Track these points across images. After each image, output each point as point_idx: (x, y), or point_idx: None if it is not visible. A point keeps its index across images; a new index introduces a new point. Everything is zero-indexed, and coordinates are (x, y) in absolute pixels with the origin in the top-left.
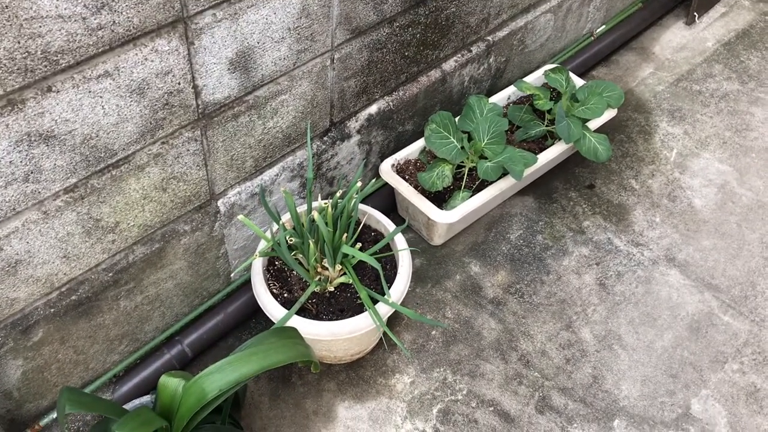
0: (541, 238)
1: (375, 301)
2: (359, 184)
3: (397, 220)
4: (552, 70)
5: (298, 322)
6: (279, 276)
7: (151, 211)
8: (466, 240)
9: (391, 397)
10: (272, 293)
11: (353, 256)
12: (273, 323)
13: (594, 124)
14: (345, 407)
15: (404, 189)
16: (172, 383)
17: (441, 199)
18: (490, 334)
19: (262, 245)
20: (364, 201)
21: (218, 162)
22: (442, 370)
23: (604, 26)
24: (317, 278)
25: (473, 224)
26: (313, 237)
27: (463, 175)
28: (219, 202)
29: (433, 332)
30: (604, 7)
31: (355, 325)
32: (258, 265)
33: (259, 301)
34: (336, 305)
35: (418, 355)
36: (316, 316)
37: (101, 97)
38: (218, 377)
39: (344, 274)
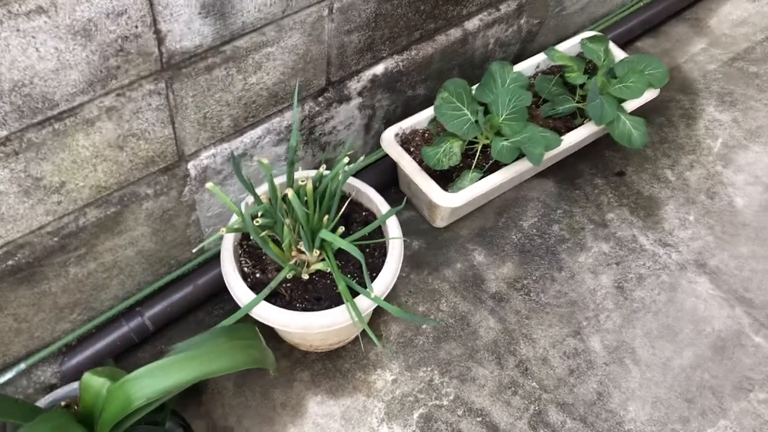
0: (558, 228)
1: (356, 294)
2: (346, 160)
3: (399, 196)
4: (590, 38)
5: (266, 310)
6: (253, 253)
7: (105, 171)
8: (472, 224)
9: (369, 395)
10: (242, 273)
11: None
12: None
13: (631, 105)
14: (317, 402)
15: (407, 164)
16: (95, 383)
17: (448, 177)
18: (488, 334)
19: (235, 219)
20: (362, 172)
21: (188, 120)
22: (429, 369)
23: None
24: (293, 261)
25: (483, 207)
26: (290, 216)
27: (476, 152)
28: (189, 165)
29: (425, 326)
30: None
31: (331, 319)
32: (229, 240)
33: (225, 281)
34: (313, 292)
35: (404, 350)
36: (289, 304)
37: (34, 37)
38: (147, 383)
39: (324, 259)
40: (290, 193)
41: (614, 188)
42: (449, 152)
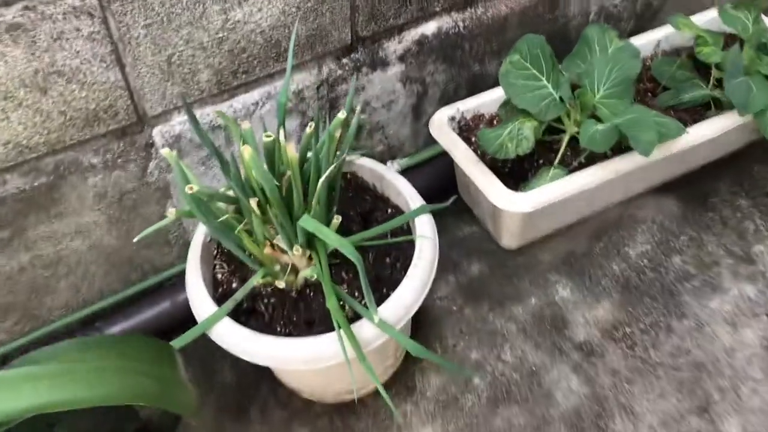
0: (680, 260)
1: (357, 318)
2: (342, 115)
3: (462, 208)
4: (735, 5)
5: (228, 331)
6: (233, 256)
7: (25, 123)
8: (557, 248)
9: None
10: (213, 280)
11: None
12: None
13: None
14: None
15: (460, 154)
16: None
17: (521, 176)
18: (568, 400)
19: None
20: (412, 174)
21: (144, 62)
22: None
23: None
24: (275, 265)
25: (572, 227)
26: (259, 192)
27: (560, 144)
28: (155, 131)
29: (477, 379)
30: None
31: (313, 351)
32: (199, 236)
33: (186, 289)
34: (304, 313)
35: (444, 411)
36: (268, 326)
37: None
38: None
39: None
40: (246, 151)
41: (766, 213)
42: (517, 135)
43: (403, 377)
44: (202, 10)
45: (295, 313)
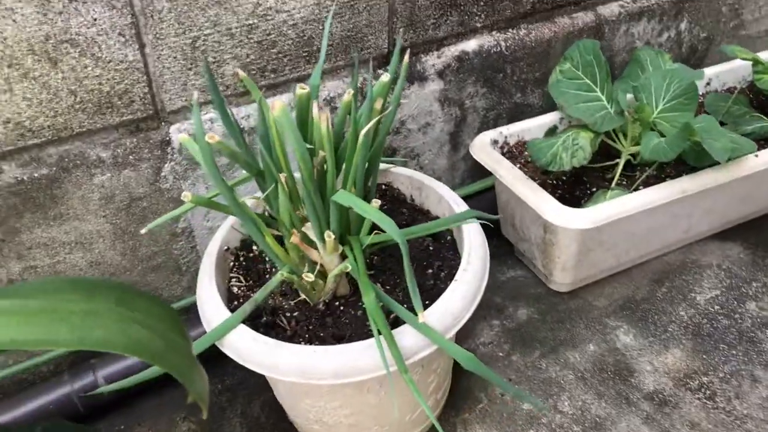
0: (756, 307)
1: (400, 323)
2: (383, 79)
3: (503, 249)
4: None
5: (244, 340)
6: (252, 268)
7: (30, 98)
8: (614, 292)
9: None
10: (228, 293)
11: (365, 230)
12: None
13: None
14: None
15: (506, 173)
16: None
17: (574, 204)
18: None
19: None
20: None
21: (166, 43)
22: None
23: None
24: (301, 263)
25: (630, 270)
26: (284, 167)
27: (616, 169)
28: (172, 128)
29: (543, 421)
30: None
31: (346, 359)
32: (216, 242)
33: (197, 295)
34: (333, 328)
35: None
36: (291, 340)
37: None
38: None
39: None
40: (277, 106)
41: None
42: (572, 145)
43: (444, 428)
44: None
45: (322, 328)
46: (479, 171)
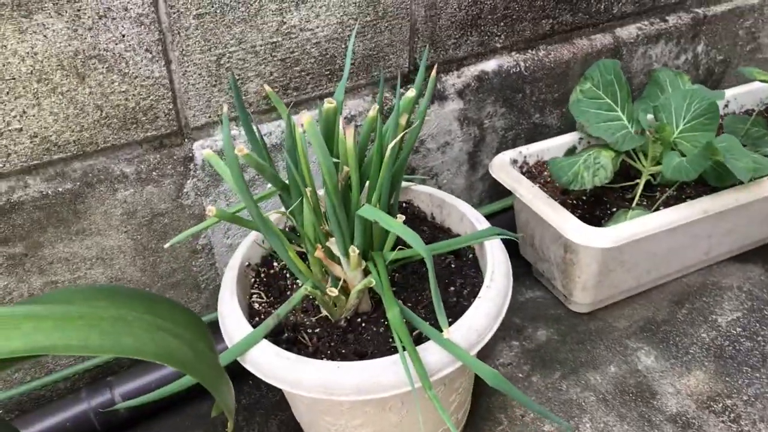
0: None
1: (423, 340)
2: (409, 94)
3: (522, 269)
4: None
5: (267, 354)
6: (273, 284)
7: (57, 112)
8: (634, 314)
9: None
10: (249, 310)
11: (388, 245)
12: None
13: None
14: None
15: (526, 191)
16: None
17: (592, 222)
18: None
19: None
20: None
21: (192, 59)
22: None
23: None
24: (324, 279)
25: (649, 292)
26: (309, 181)
27: (637, 189)
28: (195, 145)
29: None
30: None
31: (370, 375)
32: (237, 258)
33: (218, 312)
34: (354, 344)
35: None
36: (313, 357)
37: None
38: None
39: (369, 274)
40: (305, 119)
41: None
42: (594, 164)
43: None
44: (258, 7)
45: (344, 345)
46: (497, 191)
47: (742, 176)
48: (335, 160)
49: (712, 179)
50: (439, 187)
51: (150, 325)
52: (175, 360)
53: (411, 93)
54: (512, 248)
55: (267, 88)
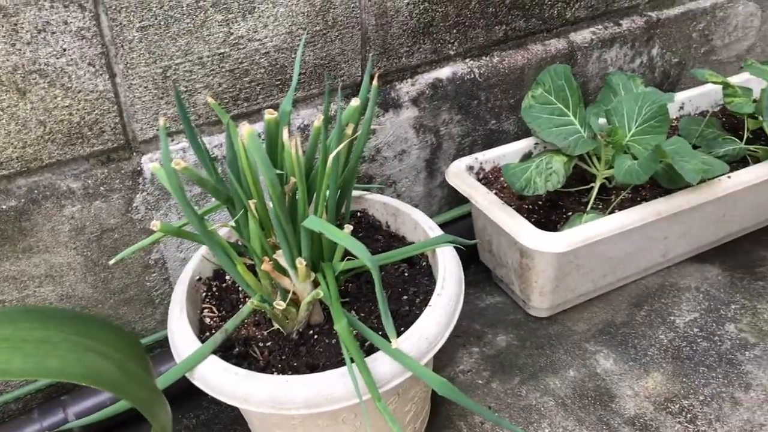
0: (735, 329)
1: (376, 350)
2: (353, 103)
3: (481, 276)
4: (761, 61)
5: (215, 371)
6: (225, 298)
7: None
8: (593, 317)
9: None
10: (200, 325)
11: (337, 256)
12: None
13: None
14: None
15: (482, 198)
16: None
17: (551, 229)
18: None
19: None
20: None
21: (137, 72)
22: None
23: None
24: (273, 292)
25: (609, 294)
26: (255, 192)
27: (592, 193)
28: (144, 158)
29: None
30: None
31: (319, 390)
32: (188, 272)
33: (168, 327)
34: (306, 356)
35: None
36: (263, 370)
37: None
38: None
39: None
40: (245, 131)
41: None
42: (546, 170)
43: None
44: (204, 18)
45: (296, 357)
46: (456, 198)
47: (691, 178)
48: (279, 171)
49: (665, 181)
50: (398, 195)
51: (77, 346)
52: (103, 381)
53: (355, 102)
54: (473, 254)
55: (210, 99)
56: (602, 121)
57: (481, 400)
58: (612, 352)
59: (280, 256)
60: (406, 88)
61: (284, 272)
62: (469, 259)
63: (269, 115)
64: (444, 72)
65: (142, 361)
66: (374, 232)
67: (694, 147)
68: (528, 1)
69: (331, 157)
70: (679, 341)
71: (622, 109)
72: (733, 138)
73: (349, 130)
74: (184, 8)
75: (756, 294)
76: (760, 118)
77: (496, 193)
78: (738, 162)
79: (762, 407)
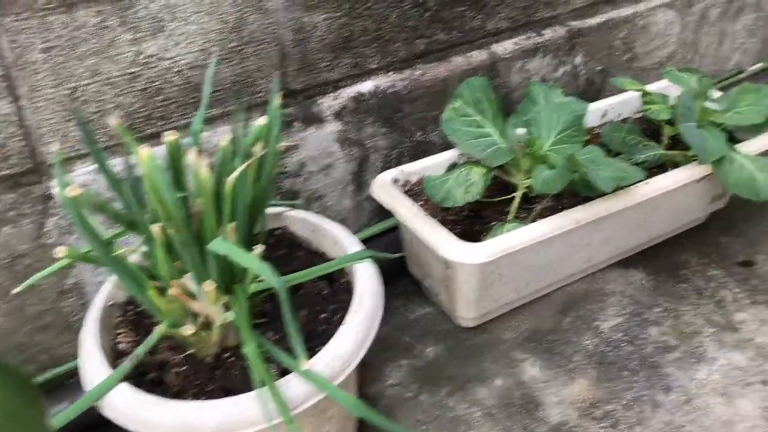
0: (657, 332)
1: (285, 373)
2: (260, 121)
3: (411, 288)
4: (679, 69)
5: (125, 398)
6: (140, 323)
7: None
8: (520, 325)
9: None
10: (116, 350)
11: (249, 278)
12: None
13: (752, 146)
14: None
15: (405, 211)
16: None
17: (474, 239)
18: None
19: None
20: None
21: (44, 95)
22: None
23: (761, 64)
24: (185, 316)
25: (536, 302)
26: (161, 210)
27: (514, 203)
28: (54, 182)
29: None
30: (760, 32)
31: (230, 414)
32: (101, 297)
33: (78, 355)
34: (222, 380)
35: None
36: (177, 395)
37: None
38: None
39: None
40: (144, 153)
41: (742, 281)
42: (465, 182)
43: None
44: (112, 38)
45: (210, 381)
46: (385, 210)
47: (605, 186)
48: (181, 194)
49: (583, 189)
50: (326, 210)
51: None
52: None
53: (262, 120)
54: (403, 267)
55: (113, 121)
56: (522, 131)
57: (409, 414)
58: (538, 359)
59: (189, 280)
60: (328, 103)
61: (193, 296)
62: (399, 272)
63: (168, 137)
64: (366, 86)
65: (31, 397)
66: (296, 250)
67: (617, 154)
68: (448, 15)
69: (232, 176)
70: (604, 346)
71: (540, 119)
72: (653, 144)
73: (257, 148)
74: (90, 28)
75: (678, 297)
76: (677, 124)
77: (421, 205)
78: (658, 167)
79: (682, 408)
